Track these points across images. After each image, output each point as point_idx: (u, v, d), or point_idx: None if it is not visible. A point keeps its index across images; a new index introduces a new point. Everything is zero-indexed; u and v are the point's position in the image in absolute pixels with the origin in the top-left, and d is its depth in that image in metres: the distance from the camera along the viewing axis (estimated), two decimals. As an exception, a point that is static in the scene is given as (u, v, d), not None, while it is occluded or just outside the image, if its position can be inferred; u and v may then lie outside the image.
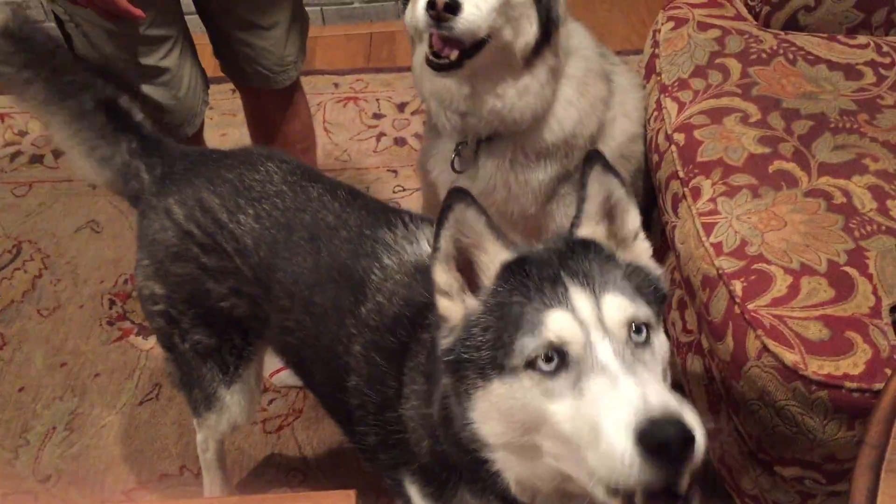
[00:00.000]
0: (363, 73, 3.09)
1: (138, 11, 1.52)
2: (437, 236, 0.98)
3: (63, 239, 2.50)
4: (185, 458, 1.93)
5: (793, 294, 1.36)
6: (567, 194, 1.74)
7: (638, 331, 0.93)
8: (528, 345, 0.91)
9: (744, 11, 1.93)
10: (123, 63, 1.66)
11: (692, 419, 0.83)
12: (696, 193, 1.58)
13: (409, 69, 2.98)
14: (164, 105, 1.73)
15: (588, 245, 1.00)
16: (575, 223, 1.03)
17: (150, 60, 1.67)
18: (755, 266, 1.41)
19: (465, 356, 0.96)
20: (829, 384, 1.27)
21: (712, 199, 1.55)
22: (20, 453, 1.98)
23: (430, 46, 1.51)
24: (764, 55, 1.78)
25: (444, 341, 0.99)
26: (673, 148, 1.68)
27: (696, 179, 1.60)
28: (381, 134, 2.81)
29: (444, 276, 1.00)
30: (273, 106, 2.00)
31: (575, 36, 1.69)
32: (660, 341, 0.96)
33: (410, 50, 1.72)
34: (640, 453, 0.80)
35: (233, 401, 1.55)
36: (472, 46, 1.51)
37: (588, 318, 0.91)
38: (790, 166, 1.56)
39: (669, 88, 1.78)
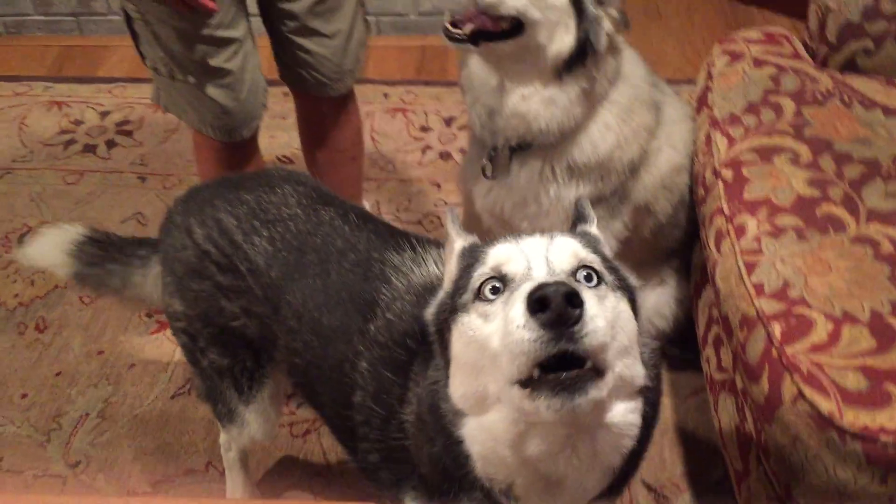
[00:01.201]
0: (414, 85, 3.11)
1: (212, 3, 1.56)
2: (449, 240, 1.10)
3: (109, 229, 2.52)
4: (212, 454, 1.95)
5: (833, 341, 1.34)
6: (600, 218, 1.73)
7: (588, 278, 0.94)
8: (474, 276, 0.96)
9: (801, 51, 1.91)
10: (189, 63, 1.69)
11: (590, 295, 0.86)
12: (741, 231, 1.56)
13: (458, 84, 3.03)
14: (225, 106, 1.76)
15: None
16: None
17: (215, 62, 1.70)
18: (796, 310, 1.40)
19: (441, 314, 1.02)
20: (865, 436, 1.25)
21: (756, 239, 1.53)
22: (52, 437, 2.02)
23: (451, 17, 1.55)
24: (819, 96, 1.76)
25: (430, 308, 1.06)
26: (720, 183, 1.67)
27: (741, 217, 1.58)
28: (427, 147, 2.82)
29: (446, 276, 1.09)
30: (326, 113, 2.03)
31: (627, 64, 1.68)
32: (616, 302, 0.94)
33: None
34: (526, 311, 0.82)
35: (251, 418, 1.57)
36: (498, 32, 1.53)
37: (533, 252, 0.95)
38: (839, 211, 1.54)
39: (720, 123, 1.77)
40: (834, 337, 1.35)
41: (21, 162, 2.81)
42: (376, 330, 1.24)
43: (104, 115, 2.99)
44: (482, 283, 0.94)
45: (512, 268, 0.94)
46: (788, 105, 1.75)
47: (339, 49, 1.86)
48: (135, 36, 1.72)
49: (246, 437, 1.61)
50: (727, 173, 1.67)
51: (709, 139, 1.77)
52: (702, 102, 1.89)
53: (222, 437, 1.78)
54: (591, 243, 1.03)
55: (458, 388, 0.97)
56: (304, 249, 1.37)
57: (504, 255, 0.96)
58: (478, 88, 1.66)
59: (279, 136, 2.82)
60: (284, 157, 2.78)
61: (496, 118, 1.65)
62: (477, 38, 1.55)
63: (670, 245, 1.92)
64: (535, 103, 1.60)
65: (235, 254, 1.40)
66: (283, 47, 1.86)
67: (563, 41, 1.55)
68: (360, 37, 1.93)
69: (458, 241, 1.08)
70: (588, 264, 0.95)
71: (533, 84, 1.59)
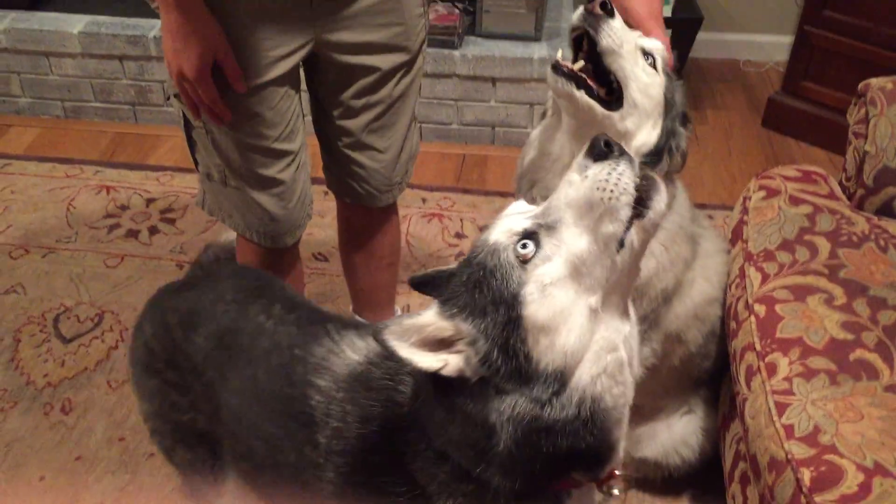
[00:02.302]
0: (451, 192, 3.17)
1: (227, 115, 1.62)
2: (401, 354, 1.04)
3: (143, 314, 2.58)
4: (223, 554, 1.92)
5: (863, 493, 1.31)
6: None
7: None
8: (504, 258, 1.02)
9: (838, 191, 1.93)
10: (245, 171, 1.74)
11: None
12: (772, 369, 1.55)
13: (496, 194, 3.09)
14: (273, 214, 1.80)
15: None
16: None
17: (269, 172, 1.74)
18: (826, 457, 1.37)
19: (496, 335, 1.02)
20: None
21: (788, 379, 1.52)
22: (66, 524, 2.01)
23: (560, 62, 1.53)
24: (854, 238, 1.77)
25: (467, 363, 1.03)
26: (752, 318, 1.67)
27: (772, 355, 1.57)
28: (461, 253, 2.86)
29: (428, 359, 1.04)
30: (369, 220, 2.07)
31: (677, 195, 1.70)
32: None
33: (536, 123, 1.72)
34: (597, 163, 1.02)
35: None
36: (594, 95, 1.52)
37: (511, 213, 1.08)
38: (872, 357, 1.52)
39: (755, 257, 1.78)
40: (864, 489, 1.32)
41: (64, 242, 2.88)
42: (327, 440, 1.24)
43: (149, 201, 3.08)
44: (515, 247, 1.02)
45: (521, 226, 1.05)
46: (824, 245, 1.76)
47: (391, 163, 1.90)
48: (191, 143, 1.77)
49: None
50: (760, 308, 1.67)
51: (742, 272, 1.78)
52: (737, 235, 1.91)
53: None
54: None
55: (567, 340, 1.00)
56: (233, 348, 1.39)
57: (503, 228, 1.05)
58: (546, 166, 1.62)
59: (316, 234, 2.88)
60: (320, 254, 2.83)
61: None
62: (579, 82, 1.51)
63: (700, 375, 1.90)
64: None
65: (176, 351, 1.46)
66: (335, 160, 1.91)
67: (648, 136, 1.56)
68: (411, 150, 1.97)
69: (426, 315, 1.06)
70: None
71: None
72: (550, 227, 1.03)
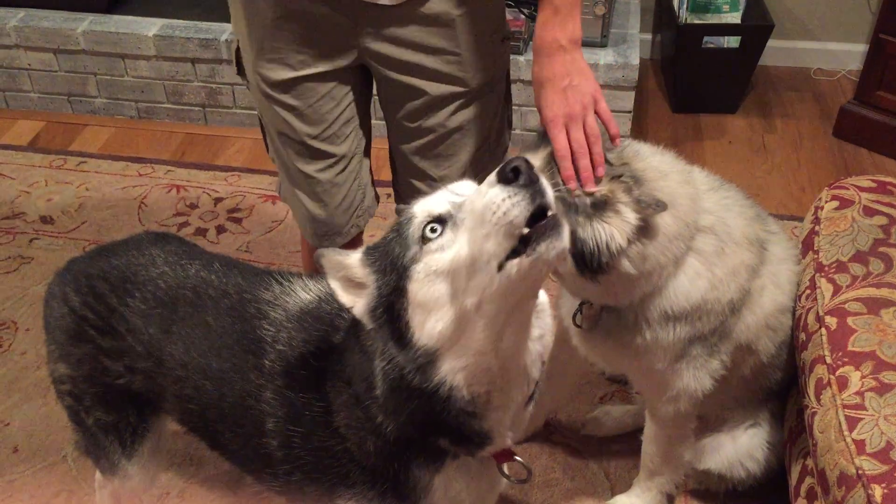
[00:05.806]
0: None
1: None
2: (328, 281, 1.23)
3: (210, 311, 2.64)
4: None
5: (939, 512, 1.28)
6: (699, 356, 1.69)
7: None
8: (411, 231, 1.12)
9: (914, 202, 1.88)
10: (285, 160, 1.81)
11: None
12: (843, 383, 1.52)
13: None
14: (312, 213, 1.84)
15: None
16: None
17: (305, 168, 1.79)
18: (900, 473, 1.34)
19: (385, 294, 1.15)
20: None
21: (859, 393, 1.49)
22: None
23: None
24: (932, 251, 1.72)
25: (364, 310, 1.19)
26: (823, 331, 1.63)
27: (844, 368, 1.54)
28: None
29: (345, 296, 1.21)
30: None
31: (716, 211, 1.62)
32: None
33: None
34: (503, 186, 1.01)
35: (134, 471, 1.66)
36: None
37: (446, 193, 1.16)
38: (949, 373, 1.48)
39: (826, 269, 1.75)
40: (940, 508, 1.29)
41: (136, 239, 2.96)
42: (271, 363, 1.37)
43: (217, 201, 3.15)
44: (423, 229, 1.10)
45: (440, 208, 1.12)
46: (899, 257, 1.72)
47: None
48: (263, 126, 1.86)
49: (128, 488, 1.69)
50: (831, 321, 1.64)
51: (813, 283, 1.74)
52: (808, 245, 1.87)
53: (98, 475, 1.80)
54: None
55: (435, 326, 1.11)
56: (176, 303, 1.48)
57: (428, 204, 1.14)
58: None
59: (379, 236, 2.90)
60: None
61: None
62: None
63: (770, 385, 1.86)
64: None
65: (112, 316, 1.52)
66: (398, 179, 1.93)
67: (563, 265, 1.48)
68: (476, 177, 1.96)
69: (353, 257, 1.22)
70: None
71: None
72: (457, 223, 1.09)
